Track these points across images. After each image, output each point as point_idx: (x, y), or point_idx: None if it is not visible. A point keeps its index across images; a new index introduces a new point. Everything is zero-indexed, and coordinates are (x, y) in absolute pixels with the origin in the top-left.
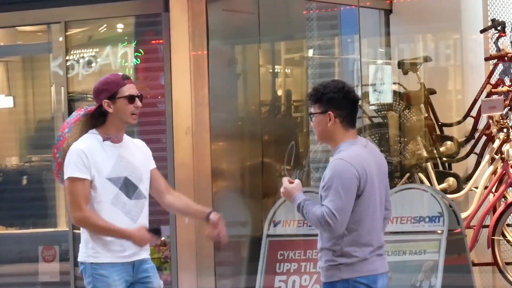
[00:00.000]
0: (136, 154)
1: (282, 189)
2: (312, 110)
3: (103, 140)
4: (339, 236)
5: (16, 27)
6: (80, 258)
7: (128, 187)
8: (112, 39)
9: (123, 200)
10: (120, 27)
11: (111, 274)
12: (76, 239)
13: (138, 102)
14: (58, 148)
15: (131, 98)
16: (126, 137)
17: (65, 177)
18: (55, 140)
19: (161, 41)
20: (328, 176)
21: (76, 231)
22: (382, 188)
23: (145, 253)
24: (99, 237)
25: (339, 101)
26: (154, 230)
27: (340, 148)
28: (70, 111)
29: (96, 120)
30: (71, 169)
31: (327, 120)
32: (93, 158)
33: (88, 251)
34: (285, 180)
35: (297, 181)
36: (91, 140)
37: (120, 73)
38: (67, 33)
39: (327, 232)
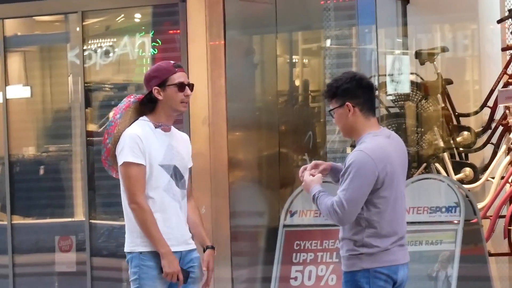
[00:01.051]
0: (183, 145)
1: (304, 178)
2: (330, 106)
3: (155, 128)
4: (361, 227)
5: (34, 17)
6: (127, 248)
7: (177, 176)
8: (130, 29)
9: (174, 188)
10: (137, 17)
11: (158, 265)
12: (93, 229)
13: (188, 90)
14: (109, 133)
15: (181, 86)
16: (173, 128)
17: (120, 162)
18: (107, 125)
19: (178, 31)
20: (346, 166)
21: (93, 221)
22: (404, 181)
23: (192, 244)
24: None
25: (354, 90)
26: (184, 272)
27: (363, 139)
28: (87, 101)
29: (146, 107)
30: (125, 154)
31: (347, 112)
32: (148, 144)
33: (136, 240)
34: (306, 174)
35: (318, 175)
36: (144, 126)
37: (172, 61)
38: (84, 23)
39: (335, 221)
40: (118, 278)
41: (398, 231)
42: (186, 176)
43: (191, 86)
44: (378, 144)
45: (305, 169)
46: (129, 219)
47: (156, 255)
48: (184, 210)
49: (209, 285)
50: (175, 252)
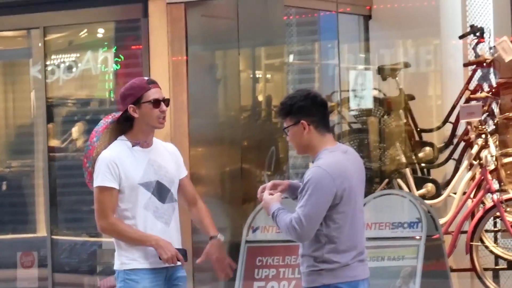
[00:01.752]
0: (167, 158)
1: (264, 198)
2: (285, 124)
3: (132, 146)
4: (321, 243)
5: None
6: (115, 267)
7: (160, 191)
8: (92, 44)
9: (156, 204)
10: (100, 32)
11: (143, 280)
12: (55, 245)
13: (163, 106)
14: (88, 157)
15: (156, 103)
16: (156, 140)
17: (94, 186)
18: (85, 149)
19: (140, 46)
20: (304, 182)
21: (55, 237)
22: (362, 195)
23: (178, 261)
24: (128, 244)
25: (309, 107)
26: (181, 250)
27: (320, 156)
28: (50, 116)
29: (123, 125)
30: (100, 178)
31: (302, 130)
32: (122, 166)
33: (121, 258)
34: (266, 193)
35: (277, 194)
36: (120, 147)
37: (146, 78)
38: (46, 39)
39: (294, 238)
40: None
41: (358, 246)
42: (174, 188)
43: (166, 102)
44: (335, 159)
45: (264, 189)
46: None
47: (141, 271)
48: (174, 225)
49: (224, 271)
50: (161, 269)
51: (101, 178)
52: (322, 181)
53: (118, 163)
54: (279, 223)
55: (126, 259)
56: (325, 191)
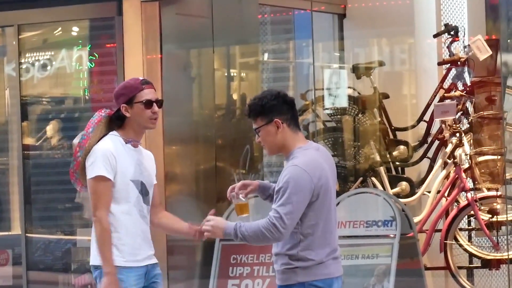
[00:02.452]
0: (149, 162)
1: (207, 227)
2: (256, 125)
3: (126, 143)
4: (295, 241)
5: None
6: (95, 262)
7: (144, 192)
8: (67, 42)
9: (141, 204)
10: (74, 30)
11: (128, 278)
12: (29, 243)
13: (155, 107)
14: (81, 146)
15: (148, 103)
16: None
17: (90, 176)
18: (79, 139)
19: (115, 44)
20: (283, 181)
21: (29, 235)
22: (335, 193)
23: (155, 259)
24: (113, 241)
25: (280, 106)
26: None
27: (294, 154)
28: (24, 114)
29: (115, 122)
30: (98, 168)
31: (275, 129)
32: (120, 160)
33: None
34: (206, 223)
35: (219, 218)
36: (115, 141)
37: (141, 78)
38: (20, 37)
39: (273, 237)
40: None
41: (332, 244)
42: (151, 193)
43: (159, 103)
44: (310, 158)
45: (233, 189)
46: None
47: (125, 269)
48: (148, 225)
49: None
50: (142, 267)
51: (99, 168)
52: (301, 179)
53: (116, 156)
54: (248, 232)
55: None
56: (304, 190)
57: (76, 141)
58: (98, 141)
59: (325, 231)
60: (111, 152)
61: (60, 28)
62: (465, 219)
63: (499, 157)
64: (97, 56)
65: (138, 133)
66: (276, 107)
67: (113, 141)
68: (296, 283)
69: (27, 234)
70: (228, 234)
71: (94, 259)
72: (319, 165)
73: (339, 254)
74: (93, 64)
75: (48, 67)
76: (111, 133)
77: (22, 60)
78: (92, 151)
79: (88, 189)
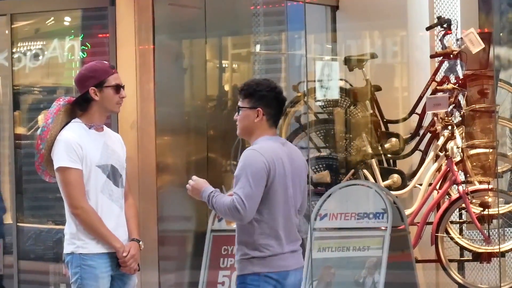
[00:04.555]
0: (118, 145)
1: (189, 186)
2: (240, 104)
3: (89, 128)
4: (252, 229)
5: None
6: (66, 250)
7: (115, 175)
8: (59, 32)
9: (111, 188)
10: (67, 20)
11: (99, 265)
12: (20, 232)
13: (123, 93)
14: (42, 139)
15: (117, 88)
16: (105, 127)
17: (56, 167)
18: (39, 131)
19: (107, 35)
20: (239, 165)
21: (21, 224)
22: (297, 188)
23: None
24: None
25: (270, 100)
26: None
27: (256, 142)
28: (16, 104)
29: (79, 107)
30: (63, 159)
31: (254, 116)
32: (84, 147)
33: (77, 242)
34: (194, 177)
35: (203, 179)
36: (78, 128)
37: (106, 62)
38: (13, 26)
39: (236, 219)
40: (45, 281)
41: (290, 237)
42: (124, 175)
43: (124, 88)
44: (268, 145)
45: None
46: (68, 222)
47: (96, 256)
48: (123, 209)
49: (132, 270)
50: (113, 255)
51: (65, 159)
52: (255, 161)
53: (80, 144)
54: (216, 205)
55: (81, 243)
56: (259, 170)
57: (38, 132)
58: (60, 130)
59: (283, 223)
60: (76, 141)
61: (52, 18)
62: (456, 212)
63: (491, 150)
64: (89, 46)
65: (102, 117)
66: (267, 98)
67: (75, 128)
68: (252, 273)
69: (18, 224)
70: (204, 198)
71: (67, 247)
72: (276, 153)
73: (297, 248)
74: (85, 54)
75: (40, 57)
76: (73, 120)
77: (14, 50)
78: (56, 142)
79: (58, 181)
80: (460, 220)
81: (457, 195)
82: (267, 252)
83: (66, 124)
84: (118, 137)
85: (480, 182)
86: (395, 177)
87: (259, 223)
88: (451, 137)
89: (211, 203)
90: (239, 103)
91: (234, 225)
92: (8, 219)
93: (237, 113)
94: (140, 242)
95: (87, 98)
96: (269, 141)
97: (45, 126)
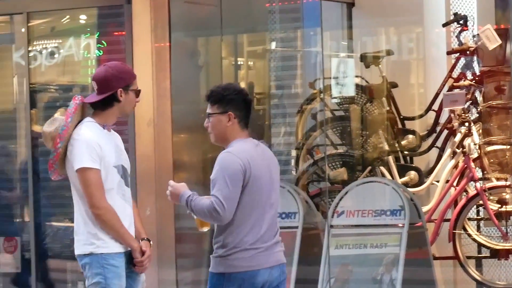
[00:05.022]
0: (122, 145)
1: (168, 191)
2: (210, 110)
3: (103, 128)
4: (225, 229)
5: None
6: (83, 250)
7: (126, 175)
8: (75, 30)
9: (123, 188)
10: (83, 18)
11: (120, 264)
12: (38, 230)
13: (138, 98)
14: (61, 137)
15: (138, 93)
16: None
17: (79, 167)
18: (59, 129)
19: (123, 32)
20: (216, 168)
21: (38, 222)
22: (272, 187)
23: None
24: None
25: (239, 102)
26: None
27: (230, 145)
28: (32, 102)
29: (97, 107)
30: (85, 159)
31: (226, 120)
32: (103, 147)
33: (96, 242)
34: (171, 181)
35: (182, 183)
36: (94, 128)
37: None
38: (29, 24)
39: (216, 220)
40: (63, 279)
41: (264, 237)
42: (129, 175)
43: None
44: (242, 147)
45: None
46: (85, 223)
47: (117, 255)
48: (132, 208)
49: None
50: (127, 253)
51: (88, 159)
52: (231, 163)
53: (100, 144)
54: (195, 207)
55: (101, 243)
56: (235, 172)
57: (48, 129)
58: (73, 129)
59: (256, 223)
60: (96, 141)
61: (68, 16)
62: (473, 209)
63: (508, 146)
64: (105, 44)
65: (116, 118)
66: (235, 101)
67: (92, 128)
68: (222, 272)
69: (36, 222)
70: (182, 202)
71: (85, 248)
72: (250, 155)
73: (273, 246)
74: (101, 52)
75: (56, 55)
76: (86, 119)
77: (30, 48)
78: (75, 141)
79: (78, 180)
80: (478, 217)
81: (475, 192)
82: (232, 250)
83: (79, 122)
84: (119, 137)
85: (498, 179)
86: (412, 174)
87: (233, 226)
88: (468, 133)
89: (189, 206)
90: (209, 110)
91: (204, 229)
92: (26, 217)
93: (207, 120)
94: (151, 242)
95: (112, 98)
96: (243, 143)
97: (65, 125)
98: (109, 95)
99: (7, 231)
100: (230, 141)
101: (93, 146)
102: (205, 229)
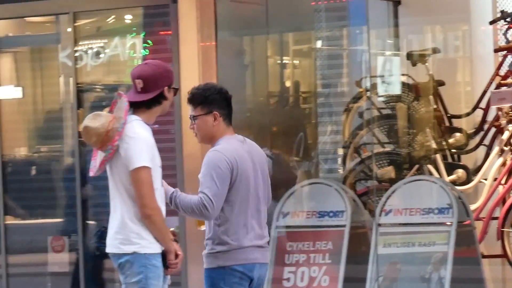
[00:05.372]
0: None
1: None
2: (194, 113)
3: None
4: (216, 225)
5: (25, 18)
6: (125, 249)
7: (162, 176)
8: (121, 30)
9: (161, 188)
10: (128, 18)
11: (160, 264)
12: (86, 230)
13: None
14: (120, 135)
15: (176, 91)
16: None
17: (136, 165)
18: (119, 126)
19: (169, 32)
20: (203, 167)
21: (86, 221)
22: (260, 183)
23: None
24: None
25: (221, 101)
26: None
27: (218, 143)
28: (79, 102)
29: (145, 105)
30: (145, 159)
31: (212, 120)
32: (155, 147)
33: (141, 241)
34: None
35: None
36: (145, 127)
37: None
38: (75, 24)
39: (203, 217)
40: (111, 278)
41: (255, 231)
42: None
43: None
44: (229, 144)
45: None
46: (130, 221)
47: (157, 256)
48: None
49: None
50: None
51: (147, 158)
52: (218, 161)
53: (153, 144)
54: (181, 204)
55: (146, 242)
56: (223, 170)
57: (93, 124)
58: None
59: (246, 219)
60: (151, 140)
61: (113, 16)
62: None
63: None
64: (151, 43)
65: (156, 117)
66: (217, 101)
67: (144, 126)
68: (217, 267)
69: (83, 221)
70: (166, 198)
71: (127, 247)
72: (236, 152)
73: (264, 244)
74: (147, 51)
75: (102, 55)
76: (133, 117)
77: (76, 48)
78: (132, 139)
79: (131, 179)
80: None
81: None
82: (231, 246)
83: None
84: None
85: None
86: (460, 172)
87: (222, 220)
88: None
89: (174, 203)
90: (192, 113)
91: (202, 228)
92: (73, 216)
93: (192, 122)
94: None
95: (159, 97)
96: (230, 140)
97: (124, 123)
98: (158, 93)
99: (54, 231)
100: (217, 139)
101: (150, 145)
102: (203, 227)
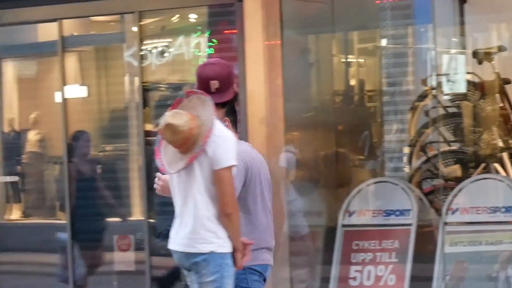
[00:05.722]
0: None
1: (157, 186)
2: None
3: None
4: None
5: (90, 17)
6: (202, 249)
7: None
8: (185, 29)
9: None
10: (193, 17)
11: (232, 263)
12: (151, 229)
13: None
14: (211, 132)
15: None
16: None
17: (227, 164)
18: (209, 125)
19: (234, 31)
20: None
21: (151, 220)
22: (267, 186)
23: None
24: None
25: (229, 108)
26: None
27: None
28: (145, 101)
29: (219, 104)
30: (233, 157)
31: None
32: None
33: (217, 240)
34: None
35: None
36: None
37: None
38: (140, 23)
39: None
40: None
41: (267, 236)
42: None
43: None
44: (243, 147)
45: (159, 178)
46: (209, 221)
47: (230, 254)
48: None
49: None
50: None
51: (234, 157)
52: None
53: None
54: None
55: (222, 242)
56: (239, 170)
57: (177, 122)
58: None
59: (258, 222)
60: (235, 138)
61: (178, 15)
62: None
63: None
64: (216, 42)
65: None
66: (227, 108)
67: (223, 125)
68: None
69: (149, 220)
70: None
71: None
72: (249, 156)
73: (273, 246)
74: (212, 50)
75: (166, 54)
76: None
77: (141, 47)
78: (220, 138)
79: (216, 178)
80: None
81: None
82: (255, 247)
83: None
84: None
85: None
86: None
87: (244, 220)
88: None
89: None
90: None
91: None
92: (138, 215)
93: None
94: None
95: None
96: (240, 143)
97: (213, 122)
98: (235, 92)
99: (120, 229)
100: None
101: (235, 143)
102: None
